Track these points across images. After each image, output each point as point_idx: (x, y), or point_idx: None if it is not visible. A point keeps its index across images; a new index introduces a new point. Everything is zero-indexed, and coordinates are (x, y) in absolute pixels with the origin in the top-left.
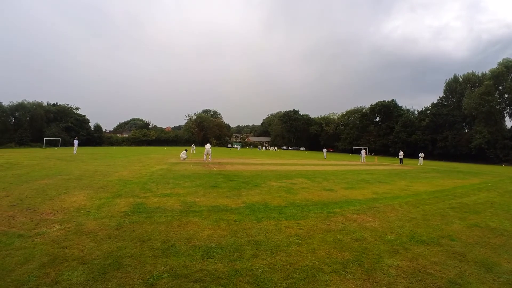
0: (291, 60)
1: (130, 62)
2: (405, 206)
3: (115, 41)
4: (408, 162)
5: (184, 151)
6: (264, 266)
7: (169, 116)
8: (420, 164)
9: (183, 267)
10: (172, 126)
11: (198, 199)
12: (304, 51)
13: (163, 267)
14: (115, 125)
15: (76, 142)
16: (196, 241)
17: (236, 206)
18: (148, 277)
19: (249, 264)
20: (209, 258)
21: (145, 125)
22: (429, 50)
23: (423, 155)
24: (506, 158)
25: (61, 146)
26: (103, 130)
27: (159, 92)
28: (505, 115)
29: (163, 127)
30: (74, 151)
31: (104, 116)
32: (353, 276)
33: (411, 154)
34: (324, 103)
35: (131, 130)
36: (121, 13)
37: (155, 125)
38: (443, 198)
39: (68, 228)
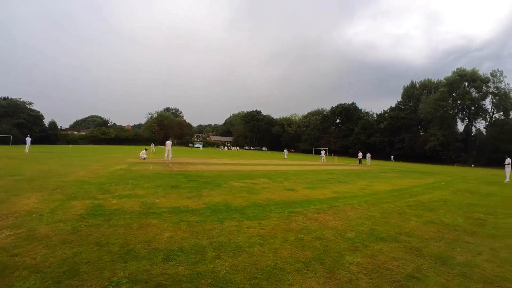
0: (255, 60)
1: (90, 56)
2: (364, 205)
3: (74, 32)
4: (365, 162)
5: (144, 151)
6: (227, 268)
7: (129, 114)
8: (368, 164)
9: (143, 272)
10: (132, 124)
11: (158, 200)
12: (268, 51)
13: (122, 273)
14: (71, 122)
15: (28, 139)
16: (156, 244)
17: (197, 207)
18: (106, 283)
19: (211, 266)
20: (170, 261)
21: (104, 122)
22: (389, 56)
23: (369, 154)
24: (458, 159)
25: (12, 144)
26: (59, 127)
27: (119, 89)
28: (458, 119)
29: (123, 125)
30: (27, 150)
31: (60, 112)
32: (315, 274)
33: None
34: (286, 104)
35: (89, 128)
36: (84, 4)
37: (114, 123)
38: (400, 197)
39: (19, 233)
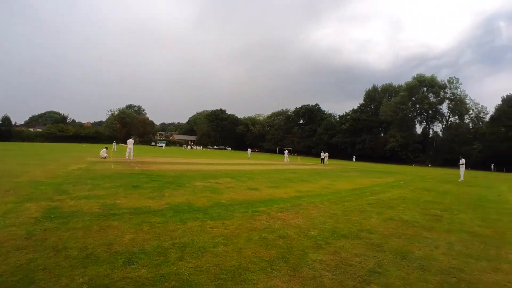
0: (221, 58)
1: (47, 48)
2: (326, 203)
3: (30, 22)
4: (329, 162)
5: (105, 149)
6: (190, 269)
7: (90, 110)
8: (326, 163)
9: (104, 277)
10: (92, 121)
11: (119, 201)
12: (234, 51)
13: (81, 279)
14: (27, 118)
15: None
16: (117, 247)
17: (159, 207)
18: None
19: (175, 268)
20: (132, 264)
21: (62, 119)
22: (353, 60)
23: (327, 154)
24: (416, 160)
25: None
26: (13, 123)
27: (79, 83)
28: (416, 122)
29: (83, 122)
30: None
31: (14, 107)
32: (280, 273)
33: (332, 155)
34: (251, 104)
35: (46, 125)
36: None
37: (73, 120)
38: (361, 195)
39: None
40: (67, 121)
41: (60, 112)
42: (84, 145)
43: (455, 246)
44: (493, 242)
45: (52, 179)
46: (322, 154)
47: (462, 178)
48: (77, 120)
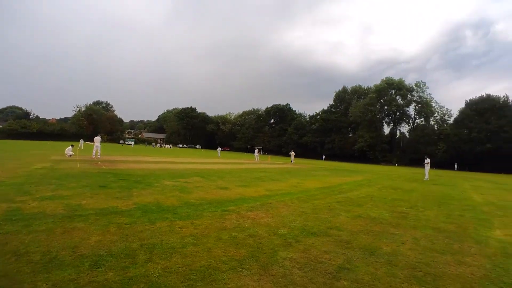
0: (192, 56)
1: (5, 38)
2: (296, 202)
3: None
4: (299, 161)
5: (70, 147)
6: (160, 271)
7: (55, 106)
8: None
9: (69, 281)
10: (58, 117)
11: (84, 202)
12: (206, 48)
13: (44, 285)
14: None
15: None
16: (83, 250)
17: (127, 207)
18: None
19: (143, 270)
20: (99, 267)
21: (25, 114)
22: (324, 62)
23: (294, 153)
24: (384, 159)
25: None
26: None
27: (42, 77)
28: (384, 123)
29: (47, 118)
30: None
31: None
32: (250, 271)
33: (302, 154)
34: (222, 102)
35: (7, 120)
36: None
37: (37, 116)
38: (330, 194)
39: None
40: (30, 117)
41: (23, 108)
42: (48, 142)
43: (421, 242)
44: (456, 237)
45: (14, 179)
46: (292, 153)
47: (427, 177)
48: (41, 116)
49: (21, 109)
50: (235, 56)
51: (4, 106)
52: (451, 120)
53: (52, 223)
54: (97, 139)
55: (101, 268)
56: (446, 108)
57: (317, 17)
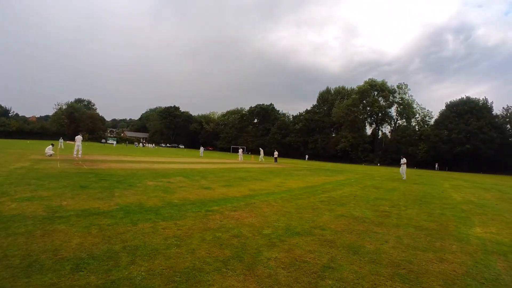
0: (175, 54)
1: None
2: (279, 201)
3: None
4: (282, 161)
5: (51, 146)
6: (143, 273)
7: (35, 104)
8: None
9: (50, 286)
10: (38, 115)
11: (65, 203)
12: (190, 47)
13: None
14: None
15: None
16: (63, 253)
17: (108, 208)
18: None
19: (126, 273)
20: (80, 271)
21: (4, 112)
22: (308, 62)
23: (263, 151)
24: (366, 159)
25: None
26: None
27: (21, 74)
28: (366, 124)
29: (27, 116)
30: None
31: None
32: (235, 272)
33: (285, 154)
34: (205, 101)
35: None
36: None
37: (16, 113)
38: (313, 193)
39: None
40: (10, 114)
41: (2, 105)
42: (28, 141)
43: (404, 240)
44: (438, 235)
45: None
46: (276, 153)
47: (404, 176)
48: (20, 114)
49: (0, 106)
50: (217, 55)
51: None
52: (432, 121)
53: (31, 225)
54: (78, 138)
55: (83, 271)
56: (427, 110)
57: (301, 17)
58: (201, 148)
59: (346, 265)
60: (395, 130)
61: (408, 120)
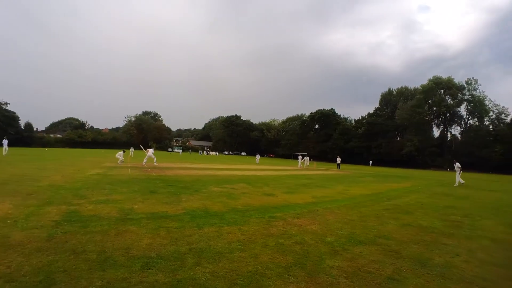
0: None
1: (62, 56)
2: (343, 209)
3: (48, 31)
4: (345, 167)
5: (121, 152)
6: (207, 274)
7: (108, 117)
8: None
9: (122, 280)
10: (110, 127)
11: (136, 206)
12: (247, 56)
13: (99, 281)
14: (48, 124)
15: (5, 142)
16: (134, 251)
17: (176, 212)
18: None
19: (191, 273)
20: (149, 269)
21: (81, 125)
22: (366, 64)
23: (308, 158)
24: (434, 164)
25: None
26: (35, 129)
27: (97, 90)
28: (433, 125)
29: (100, 128)
30: (4, 152)
31: (36, 113)
32: (297, 279)
33: (348, 160)
34: (265, 109)
35: (66, 131)
36: (59, 4)
37: (91, 126)
38: (378, 201)
39: None
40: (86, 127)
41: (79, 119)
42: (101, 150)
43: (477, 254)
44: None
45: (71, 184)
46: (338, 159)
47: (458, 182)
48: (95, 126)
49: (77, 120)
50: (275, 63)
51: (63, 118)
52: (509, 119)
53: (106, 225)
54: (150, 151)
55: (152, 269)
56: (502, 106)
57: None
58: (257, 155)
59: (412, 277)
60: (465, 131)
61: (481, 119)
